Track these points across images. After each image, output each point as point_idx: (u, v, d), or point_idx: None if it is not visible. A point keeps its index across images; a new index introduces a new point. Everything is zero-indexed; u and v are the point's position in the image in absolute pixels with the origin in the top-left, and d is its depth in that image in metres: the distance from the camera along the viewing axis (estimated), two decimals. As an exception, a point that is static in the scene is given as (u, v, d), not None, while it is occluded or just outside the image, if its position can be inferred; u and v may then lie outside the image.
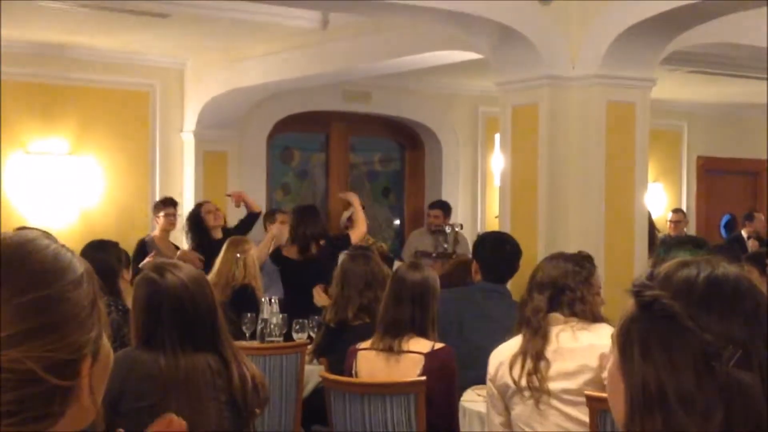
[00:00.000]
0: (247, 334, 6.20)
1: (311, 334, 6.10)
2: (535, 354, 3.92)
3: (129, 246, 7.74)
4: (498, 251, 5.54)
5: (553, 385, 3.94)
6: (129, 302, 3.97)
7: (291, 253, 7.70)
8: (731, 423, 1.29)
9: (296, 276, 7.57)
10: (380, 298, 4.90)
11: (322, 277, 7.47)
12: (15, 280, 1.21)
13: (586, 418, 3.90)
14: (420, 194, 11.44)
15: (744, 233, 11.37)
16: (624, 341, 1.38)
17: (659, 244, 6.87)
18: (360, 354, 4.69)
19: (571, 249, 5.04)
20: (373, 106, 10.88)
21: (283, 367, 5.67)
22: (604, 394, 3.34)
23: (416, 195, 11.50)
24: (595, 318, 4.04)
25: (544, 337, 3.93)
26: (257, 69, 9.15)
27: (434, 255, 9.29)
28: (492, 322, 5.01)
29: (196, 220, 8.53)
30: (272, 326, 6.14)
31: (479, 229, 10.66)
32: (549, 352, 3.94)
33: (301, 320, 6.16)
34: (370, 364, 4.64)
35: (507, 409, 4.06)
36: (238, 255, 6.79)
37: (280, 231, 8.05)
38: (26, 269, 1.22)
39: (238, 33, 8.53)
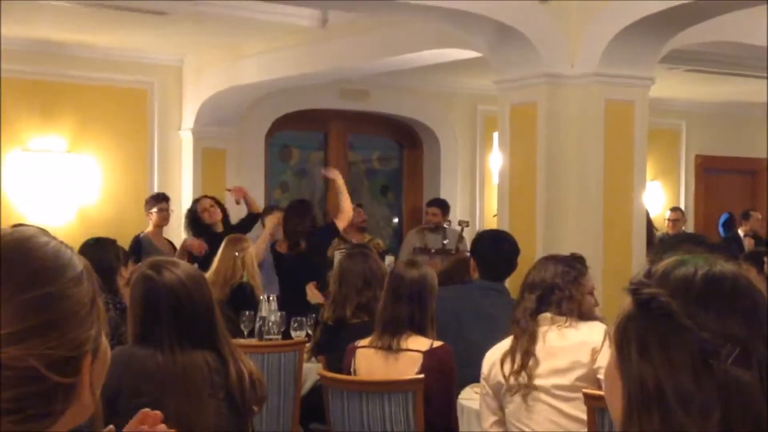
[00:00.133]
0: (246, 332, 6.19)
1: (309, 332, 6.10)
2: (522, 352, 4.00)
3: (127, 243, 7.75)
4: (496, 249, 5.54)
5: (545, 382, 4.00)
6: (126, 300, 3.97)
7: (282, 248, 7.81)
8: (729, 421, 1.29)
9: (286, 271, 7.70)
10: (379, 297, 4.90)
11: (312, 271, 7.50)
12: (16, 278, 1.21)
13: (579, 414, 3.95)
14: (418, 192, 11.44)
15: (740, 232, 11.38)
16: (621, 339, 1.38)
17: (657, 243, 6.88)
18: (358, 352, 4.69)
19: (570, 247, 5.05)
20: (372, 105, 10.88)
21: (281, 365, 5.67)
22: (602, 392, 3.35)
23: (415, 193, 11.50)
24: (583, 316, 4.09)
25: (532, 336, 4.02)
26: (256, 67, 9.15)
27: (433, 252, 9.29)
28: (490, 320, 5.02)
29: (193, 217, 8.53)
30: (270, 324, 6.13)
31: (478, 228, 10.66)
32: (537, 350, 4.01)
33: (299, 318, 6.16)
34: (369, 362, 4.64)
35: (501, 408, 4.11)
36: (237, 253, 6.79)
37: (275, 225, 8.06)
38: (27, 267, 1.22)
39: (237, 31, 8.53)
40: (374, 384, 4.59)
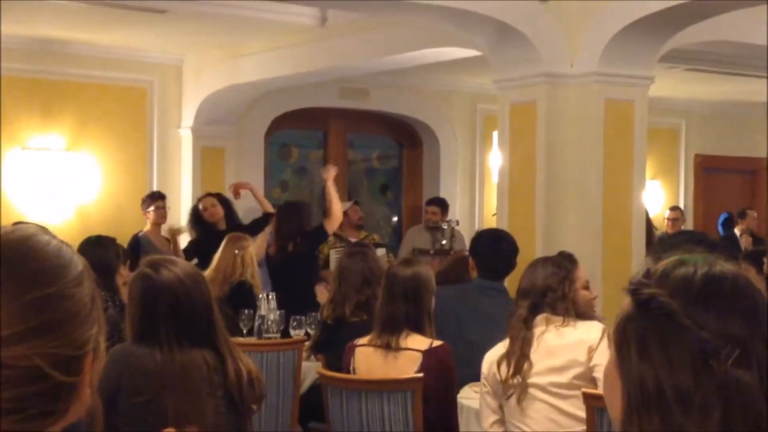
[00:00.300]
0: (245, 331, 6.19)
1: (309, 330, 6.10)
2: (518, 356, 4.06)
3: (126, 242, 7.75)
4: (495, 248, 5.54)
5: (542, 380, 4.05)
6: (125, 298, 3.97)
7: (271, 249, 7.84)
8: (729, 422, 1.29)
9: (273, 272, 7.72)
10: (377, 295, 4.90)
11: (295, 274, 7.49)
12: (20, 278, 1.21)
13: (577, 412, 3.97)
14: (418, 191, 11.43)
15: (737, 231, 11.39)
16: (621, 339, 1.38)
17: (657, 242, 6.87)
18: (357, 350, 4.69)
19: (569, 246, 5.05)
20: (372, 103, 10.87)
21: (280, 364, 5.67)
22: (600, 392, 3.36)
23: (414, 192, 11.50)
24: (580, 314, 4.13)
25: (526, 340, 4.07)
26: (255, 65, 9.14)
27: (432, 252, 9.29)
28: (489, 319, 5.02)
29: (196, 215, 8.55)
30: (269, 323, 6.14)
31: (477, 227, 10.66)
32: (534, 350, 4.07)
33: (298, 317, 6.16)
34: (368, 360, 4.64)
35: (501, 408, 4.14)
36: (237, 251, 6.79)
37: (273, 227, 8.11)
38: (30, 266, 1.22)
39: (237, 29, 8.52)
40: (373, 383, 4.59)
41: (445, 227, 9.65)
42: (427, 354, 4.51)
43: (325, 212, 8.56)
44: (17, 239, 1.25)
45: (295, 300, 6.90)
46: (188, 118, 9.92)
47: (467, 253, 6.26)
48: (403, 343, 4.56)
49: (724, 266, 1.39)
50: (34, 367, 1.18)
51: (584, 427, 3.95)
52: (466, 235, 10.00)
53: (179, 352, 3.31)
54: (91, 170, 9.52)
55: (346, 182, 11.20)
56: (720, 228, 12.86)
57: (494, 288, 5.42)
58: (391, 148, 11.75)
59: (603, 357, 3.92)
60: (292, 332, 6.10)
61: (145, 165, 9.85)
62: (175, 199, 9.39)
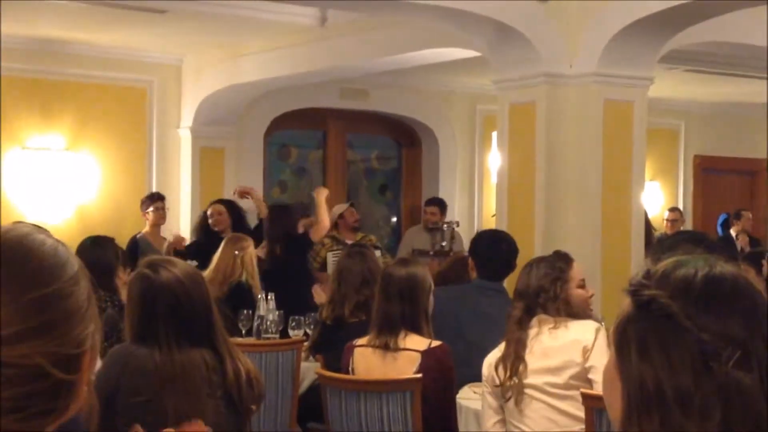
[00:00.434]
0: (243, 331, 6.19)
1: (307, 330, 6.10)
2: (513, 359, 4.09)
3: (125, 242, 7.75)
4: (494, 249, 5.54)
5: (538, 380, 4.07)
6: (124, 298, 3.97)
7: (260, 252, 7.85)
8: (730, 423, 1.28)
9: (264, 276, 7.71)
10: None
11: (290, 277, 7.49)
12: (20, 277, 1.21)
13: (576, 411, 3.98)
14: (417, 192, 11.44)
15: (733, 232, 11.39)
16: (621, 340, 1.38)
17: (656, 243, 6.87)
18: (356, 351, 4.69)
19: (568, 247, 5.05)
20: (371, 104, 10.87)
21: (279, 364, 5.67)
22: (599, 392, 3.36)
23: (413, 193, 11.50)
24: (573, 313, 4.14)
25: (520, 342, 4.09)
26: (255, 66, 9.14)
27: (432, 253, 9.28)
28: (488, 319, 5.02)
29: (203, 221, 8.57)
30: (268, 323, 6.14)
31: (476, 227, 10.66)
32: (529, 352, 4.09)
33: (297, 317, 6.16)
34: (367, 361, 4.65)
35: (502, 409, 4.16)
36: (237, 252, 6.79)
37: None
38: (30, 266, 1.23)
39: (236, 29, 8.52)
40: (372, 383, 4.59)
41: (445, 228, 9.65)
42: (426, 354, 4.51)
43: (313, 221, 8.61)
44: (14, 238, 1.25)
45: (285, 303, 6.87)
46: (188, 118, 9.92)
47: (466, 254, 6.26)
48: (401, 344, 4.56)
49: (724, 267, 1.39)
50: (34, 365, 1.18)
51: (583, 426, 3.96)
52: (465, 235, 10.00)
53: (178, 352, 3.31)
54: (91, 170, 9.52)
55: (345, 183, 11.20)
56: (719, 229, 12.87)
57: (493, 288, 5.42)
58: (391, 149, 11.75)
59: (598, 358, 3.93)
60: (290, 332, 6.10)
61: (145, 165, 9.86)
62: (174, 200, 9.39)
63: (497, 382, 4.11)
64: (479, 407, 4.39)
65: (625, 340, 1.36)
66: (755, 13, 6.84)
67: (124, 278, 5.22)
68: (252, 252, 6.92)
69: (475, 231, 10.17)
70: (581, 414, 3.95)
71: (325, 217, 8.29)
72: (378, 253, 8.13)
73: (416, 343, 4.55)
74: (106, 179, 9.62)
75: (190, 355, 3.32)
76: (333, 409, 4.68)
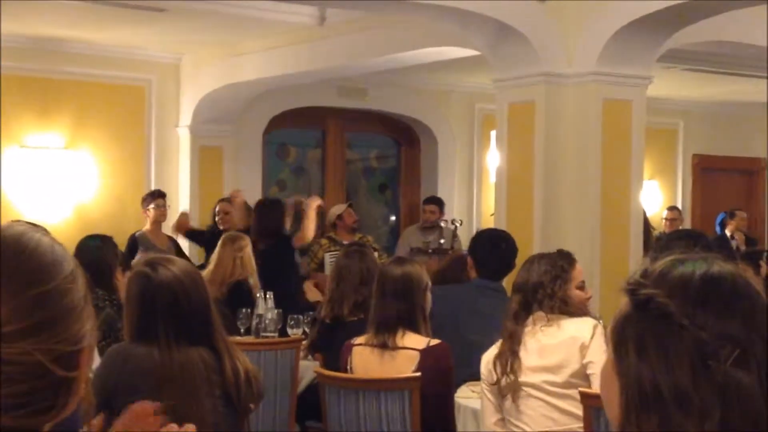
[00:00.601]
0: (242, 330, 6.19)
1: (306, 329, 6.10)
2: (507, 354, 4.09)
3: (124, 240, 7.75)
4: (494, 249, 5.54)
5: (535, 379, 4.07)
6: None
7: None
8: (728, 422, 1.28)
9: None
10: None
11: (274, 276, 7.49)
12: (20, 275, 1.22)
13: (575, 410, 3.98)
14: (416, 191, 11.44)
15: (727, 231, 11.39)
16: (618, 340, 1.37)
17: (656, 242, 6.88)
18: (355, 350, 4.69)
19: (567, 246, 5.05)
20: (370, 103, 10.87)
21: (277, 363, 5.67)
22: (597, 391, 3.36)
23: (412, 191, 11.50)
24: (569, 312, 4.13)
25: (514, 337, 4.10)
26: (253, 64, 9.14)
27: (430, 251, 9.29)
28: (486, 318, 5.02)
29: (213, 217, 8.66)
30: (267, 322, 6.14)
31: (475, 226, 10.66)
32: (525, 350, 4.09)
33: (296, 316, 6.16)
34: (365, 360, 4.64)
35: (501, 407, 4.15)
36: (236, 253, 6.79)
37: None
38: (29, 264, 1.24)
39: (235, 28, 8.52)
40: (371, 382, 4.59)
41: (444, 225, 9.66)
42: (425, 353, 4.51)
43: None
44: (12, 237, 1.26)
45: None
46: (186, 117, 9.92)
47: (465, 253, 6.26)
48: (399, 342, 4.56)
49: (722, 266, 1.38)
50: (34, 362, 1.19)
51: (582, 425, 3.96)
52: (463, 234, 10.01)
53: (177, 351, 3.31)
54: (90, 169, 9.52)
55: (344, 182, 11.20)
56: (717, 228, 12.87)
57: (492, 288, 5.42)
58: (389, 148, 11.75)
59: (596, 353, 3.93)
60: (289, 331, 6.10)
61: (143, 164, 9.85)
62: (173, 198, 9.39)
63: (494, 379, 4.11)
64: (478, 406, 4.39)
65: (623, 340, 1.36)
66: (754, 13, 6.85)
67: (122, 280, 5.22)
68: (250, 251, 6.92)
69: (474, 230, 10.18)
70: (580, 412, 3.95)
71: (310, 229, 8.31)
72: (375, 254, 8.14)
73: (415, 341, 4.55)
74: (105, 178, 9.62)
75: (189, 353, 3.32)
76: (331, 408, 4.68)
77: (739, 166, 13.27)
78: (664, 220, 11.52)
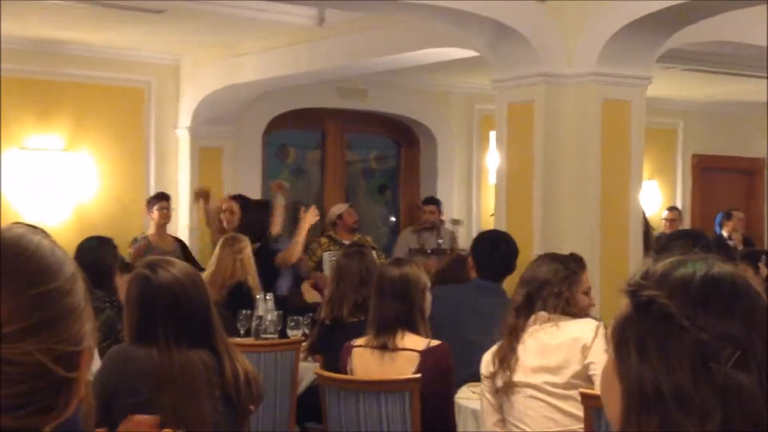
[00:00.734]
0: (242, 332, 6.19)
1: (306, 331, 6.10)
2: (506, 349, 4.08)
3: (124, 242, 7.75)
4: (494, 250, 5.55)
5: (536, 379, 4.06)
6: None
7: None
8: (729, 424, 1.28)
9: None
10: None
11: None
12: (22, 275, 1.23)
13: (576, 411, 3.97)
14: (415, 191, 11.43)
15: (724, 232, 11.38)
16: (619, 341, 1.37)
17: (656, 242, 6.87)
18: (355, 351, 4.68)
19: (566, 246, 5.06)
20: (369, 104, 10.87)
21: (277, 364, 5.67)
22: (598, 392, 3.36)
23: (412, 192, 11.49)
24: (572, 314, 4.13)
25: (514, 332, 4.10)
26: (253, 65, 9.14)
27: (429, 252, 9.28)
28: (486, 319, 5.01)
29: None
30: (267, 323, 6.13)
31: (474, 227, 10.66)
32: (526, 349, 4.08)
33: (295, 317, 6.16)
34: (365, 361, 4.64)
35: (502, 407, 4.15)
36: (236, 255, 6.79)
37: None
38: (30, 264, 1.24)
39: (234, 29, 8.52)
40: (371, 383, 4.59)
41: (443, 227, 9.65)
42: (425, 354, 4.51)
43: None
44: (12, 238, 1.26)
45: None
46: (185, 118, 9.92)
47: (465, 253, 6.26)
48: (399, 344, 4.55)
49: (722, 267, 1.38)
50: (36, 363, 1.19)
51: (583, 426, 3.96)
52: (462, 235, 10.02)
53: (177, 352, 3.30)
54: (89, 170, 9.52)
55: (343, 183, 11.20)
56: (717, 228, 12.87)
57: (492, 288, 5.43)
58: (389, 149, 11.75)
59: (598, 354, 3.93)
60: (289, 333, 6.10)
61: (143, 165, 9.85)
62: (172, 200, 9.37)
63: (492, 371, 4.11)
64: (478, 407, 4.38)
65: (624, 341, 1.36)
66: (754, 12, 6.85)
67: (121, 284, 5.22)
68: (250, 252, 6.92)
69: (473, 230, 10.18)
70: (581, 413, 3.95)
71: (296, 251, 8.34)
72: (374, 253, 8.14)
73: (415, 342, 4.55)
74: (105, 179, 9.61)
75: (189, 355, 3.31)
76: (332, 410, 4.68)
77: (738, 166, 13.27)
78: (663, 220, 11.52)
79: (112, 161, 9.65)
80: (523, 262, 5.46)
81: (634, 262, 6.76)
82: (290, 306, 7.45)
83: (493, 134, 7.78)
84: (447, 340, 4.65)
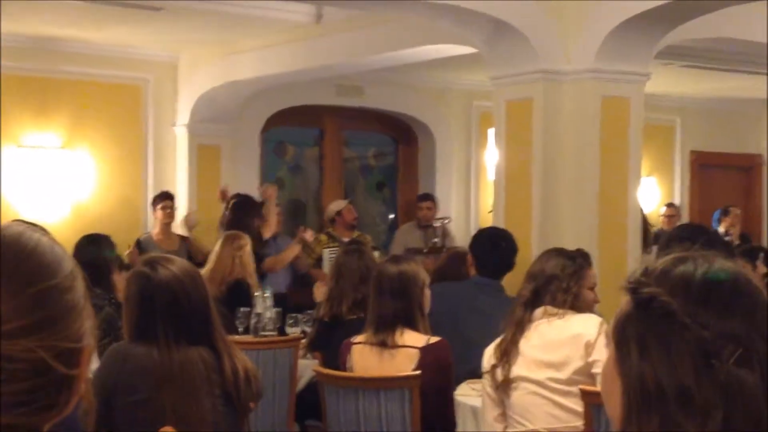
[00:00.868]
0: (241, 329, 6.19)
1: (305, 328, 6.10)
2: (509, 342, 4.10)
3: (122, 240, 7.74)
4: (494, 247, 5.56)
5: (538, 375, 4.05)
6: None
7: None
8: (731, 422, 1.27)
9: None
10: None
11: None
12: (20, 273, 1.22)
13: (578, 407, 3.97)
14: (414, 189, 11.42)
15: (721, 228, 11.39)
16: (620, 339, 1.36)
17: (657, 238, 6.87)
18: (354, 349, 4.68)
19: (565, 243, 5.06)
20: (367, 101, 10.86)
21: (276, 362, 5.67)
22: (598, 388, 3.36)
23: (410, 189, 11.49)
24: (578, 310, 4.13)
25: (519, 326, 4.10)
26: (251, 63, 9.13)
27: (425, 251, 9.28)
28: (485, 316, 5.03)
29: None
30: (266, 320, 6.13)
31: (472, 224, 10.66)
32: (530, 344, 4.09)
33: (294, 314, 6.16)
34: (364, 358, 4.64)
35: (503, 402, 4.15)
36: (235, 252, 6.79)
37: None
38: (30, 262, 1.24)
39: (232, 27, 8.51)
40: (370, 381, 4.59)
41: (437, 225, 9.65)
42: (425, 351, 4.51)
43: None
44: (12, 236, 1.26)
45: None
46: (184, 116, 9.91)
47: (463, 249, 6.26)
48: (399, 341, 4.55)
49: (723, 264, 1.38)
50: (37, 360, 1.19)
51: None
52: (461, 232, 10.02)
53: (177, 350, 3.30)
54: (87, 168, 9.51)
55: (341, 180, 11.20)
56: (714, 224, 12.88)
57: (491, 285, 5.43)
58: (387, 146, 11.74)
59: (602, 352, 3.92)
60: (288, 330, 6.10)
61: (141, 163, 9.84)
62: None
63: (490, 365, 4.10)
64: (477, 404, 4.38)
65: (625, 339, 1.35)
66: (752, 9, 6.84)
67: (119, 277, 5.22)
68: (249, 250, 6.92)
69: (472, 227, 10.18)
70: (582, 410, 3.95)
71: (286, 258, 8.38)
72: (377, 254, 8.13)
73: (414, 339, 4.54)
74: (103, 177, 9.61)
75: (189, 353, 3.31)
76: (331, 407, 4.67)
77: (736, 162, 13.27)
78: (661, 217, 11.53)
79: (110, 159, 9.64)
80: (522, 259, 5.47)
81: (633, 258, 6.76)
82: (289, 303, 7.45)
83: (491, 131, 7.78)
84: (446, 338, 4.65)
